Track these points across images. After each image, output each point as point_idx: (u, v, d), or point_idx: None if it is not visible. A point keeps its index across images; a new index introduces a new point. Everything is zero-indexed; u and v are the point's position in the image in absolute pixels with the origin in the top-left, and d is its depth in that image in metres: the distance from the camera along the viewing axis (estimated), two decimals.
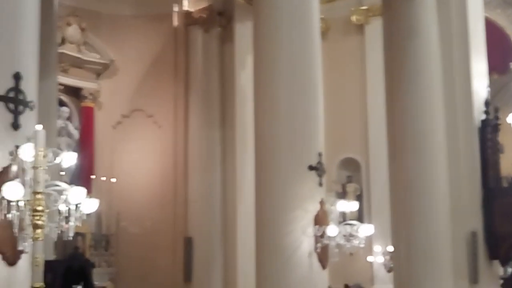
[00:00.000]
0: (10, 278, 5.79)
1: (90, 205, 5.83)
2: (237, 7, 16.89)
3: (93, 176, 15.61)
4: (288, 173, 9.70)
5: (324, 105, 10.57)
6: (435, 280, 12.00)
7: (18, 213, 5.58)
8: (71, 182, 5.90)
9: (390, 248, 15.52)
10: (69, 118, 16.95)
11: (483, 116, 13.78)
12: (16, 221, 5.60)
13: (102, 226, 16.31)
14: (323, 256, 9.74)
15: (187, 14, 17.58)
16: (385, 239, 16.51)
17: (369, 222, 13.78)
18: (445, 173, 12.70)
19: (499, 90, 19.21)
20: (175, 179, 17.41)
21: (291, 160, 9.76)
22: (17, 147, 5.77)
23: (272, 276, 9.70)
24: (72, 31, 16.83)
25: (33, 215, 5.24)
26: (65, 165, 5.87)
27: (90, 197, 5.87)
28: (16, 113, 5.98)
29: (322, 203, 9.81)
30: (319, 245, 9.60)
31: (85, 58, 17.01)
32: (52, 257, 12.01)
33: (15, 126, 5.96)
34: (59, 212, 5.69)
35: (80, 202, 5.70)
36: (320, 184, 9.86)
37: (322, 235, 9.60)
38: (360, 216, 14.12)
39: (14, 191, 5.51)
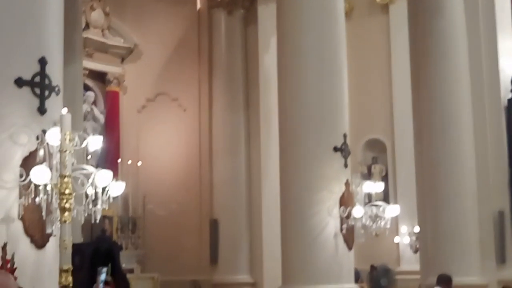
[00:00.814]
0: (39, 261, 5.87)
1: (117, 188, 5.88)
2: None
3: (119, 160, 15.70)
4: (313, 155, 9.68)
5: (348, 86, 10.50)
6: (462, 260, 11.92)
7: (45, 197, 5.65)
8: (98, 166, 5.95)
9: (416, 229, 15.48)
10: (94, 103, 17.05)
11: (510, 95, 13.61)
12: (43, 205, 5.68)
13: (128, 209, 16.44)
14: (349, 237, 9.72)
15: None
16: (411, 219, 16.46)
17: (395, 203, 13.71)
18: (471, 153, 12.59)
19: None
20: (200, 161, 17.49)
21: (316, 141, 9.73)
22: (44, 131, 5.82)
23: (298, 258, 9.71)
24: (96, 16, 16.88)
25: (61, 199, 5.29)
26: (91, 149, 5.92)
27: (117, 180, 5.91)
28: (42, 98, 6.02)
29: (347, 184, 9.78)
30: (344, 226, 9.57)
31: (109, 42, 17.06)
32: (79, 240, 12.15)
33: (41, 110, 6.00)
34: (86, 195, 5.74)
35: (107, 185, 5.75)
36: (345, 166, 9.83)
37: (348, 216, 9.57)
38: (385, 197, 14.10)
39: (41, 175, 5.58)
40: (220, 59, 17.29)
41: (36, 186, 5.65)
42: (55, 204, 5.63)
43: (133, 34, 17.48)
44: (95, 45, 16.65)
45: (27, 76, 5.97)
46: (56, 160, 5.61)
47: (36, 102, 5.99)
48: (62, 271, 5.25)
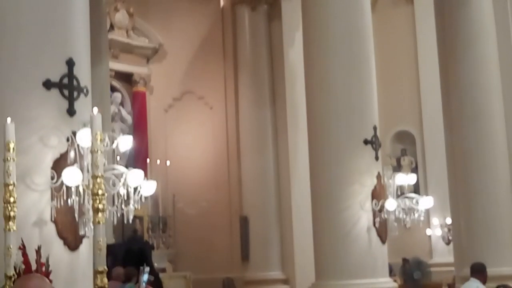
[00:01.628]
0: (72, 263, 5.86)
1: (148, 188, 5.85)
2: None
3: (148, 160, 15.74)
4: (343, 148, 9.60)
5: (376, 77, 10.40)
6: (496, 251, 11.74)
7: (77, 198, 5.64)
8: (127, 166, 5.93)
9: (448, 220, 15.32)
10: (122, 104, 17.12)
11: None
12: (76, 206, 5.67)
13: (159, 208, 16.47)
14: (382, 230, 9.63)
15: None
16: (443, 211, 16.32)
17: (426, 195, 13.56)
18: (503, 142, 12.39)
19: None
20: (228, 159, 17.47)
21: (345, 135, 9.65)
22: (74, 133, 5.82)
23: (331, 253, 9.64)
24: (121, 17, 16.93)
25: (93, 199, 5.27)
26: (121, 149, 5.90)
27: (146, 180, 5.88)
28: (70, 99, 6.01)
29: (379, 177, 9.69)
30: (377, 219, 9.49)
31: (134, 43, 17.10)
32: (111, 240, 12.19)
33: (71, 112, 5.99)
34: (118, 195, 5.72)
35: (138, 185, 5.72)
36: (376, 158, 9.74)
37: (381, 209, 9.49)
38: (416, 189, 13.95)
39: (73, 176, 5.57)
40: (245, 56, 17.25)
41: (68, 188, 5.64)
42: (87, 205, 5.61)
43: (157, 34, 17.50)
44: (120, 46, 16.70)
45: (55, 78, 5.96)
46: (87, 161, 5.60)
47: (65, 103, 5.98)
48: (97, 272, 5.22)
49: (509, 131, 12.57)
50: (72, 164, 5.69)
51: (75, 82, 6.05)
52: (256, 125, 16.92)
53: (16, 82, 5.85)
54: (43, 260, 5.30)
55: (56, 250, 5.70)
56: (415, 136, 18.65)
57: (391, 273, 13.88)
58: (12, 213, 5.29)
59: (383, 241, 9.69)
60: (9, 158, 5.32)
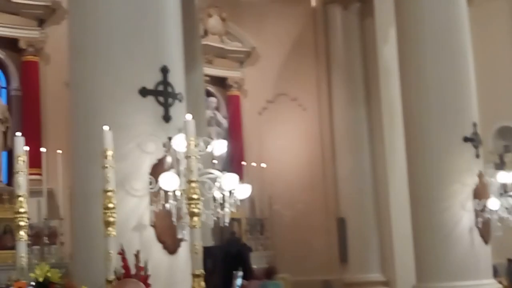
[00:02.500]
0: (171, 267, 5.96)
1: (243, 191, 5.88)
2: None
3: (243, 163, 15.85)
4: (442, 147, 9.36)
5: (474, 72, 10.07)
6: None
7: (175, 203, 5.73)
8: (223, 170, 5.98)
9: None
10: (217, 108, 17.32)
11: None
12: (174, 211, 5.76)
13: (255, 210, 16.55)
14: (485, 231, 9.33)
15: None
16: None
17: None
18: None
19: None
20: (323, 160, 17.35)
21: (444, 132, 9.40)
22: (170, 138, 5.92)
23: (432, 254, 9.42)
24: (214, 22, 17.14)
25: (189, 204, 5.34)
26: (216, 153, 5.96)
27: (242, 183, 5.92)
28: (166, 106, 6.12)
29: (480, 175, 9.40)
30: (480, 219, 9.19)
31: (227, 47, 17.27)
32: (210, 243, 12.34)
33: (166, 118, 6.10)
34: (214, 199, 5.78)
35: (233, 188, 5.76)
36: (477, 156, 9.45)
37: (483, 209, 9.19)
38: None
39: (170, 181, 5.67)
40: (337, 55, 17.10)
41: (166, 193, 5.74)
42: (184, 209, 5.69)
43: (250, 38, 17.61)
44: (214, 51, 16.91)
45: (150, 86, 6.09)
46: (183, 166, 5.68)
47: (160, 110, 6.10)
48: (194, 276, 5.28)
49: None
50: (169, 169, 5.79)
51: (169, 89, 6.17)
52: (350, 125, 16.72)
53: (112, 90, 6.01)
54: (142, 264, 5.41)
55: (155, 254, 5.81)
56: None
57: (496, 274, 13.41)
58: (111, 219, 5.43)
59: (486, 242, 9.41)
60: (107, 165, 5.46)
